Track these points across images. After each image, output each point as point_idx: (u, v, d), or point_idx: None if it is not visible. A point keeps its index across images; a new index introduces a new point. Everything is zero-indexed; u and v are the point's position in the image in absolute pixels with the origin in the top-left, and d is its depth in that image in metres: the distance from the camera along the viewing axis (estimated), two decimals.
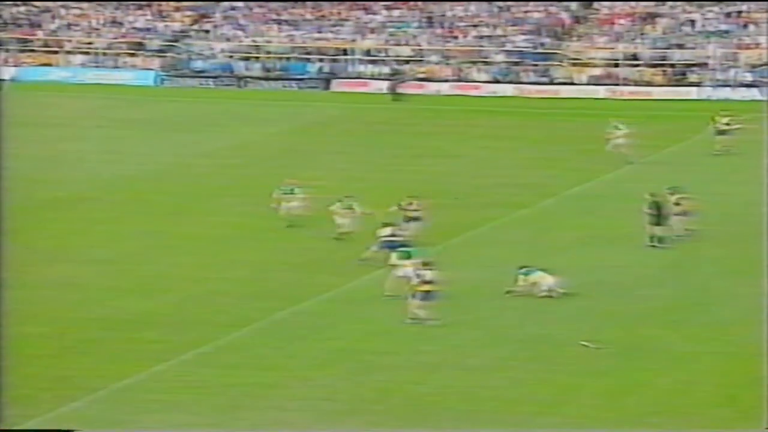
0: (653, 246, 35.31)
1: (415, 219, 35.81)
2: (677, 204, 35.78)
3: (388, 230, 33.45)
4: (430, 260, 29.58)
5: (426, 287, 28.79)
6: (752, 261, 33.79)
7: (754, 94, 70.10)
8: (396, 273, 30.57)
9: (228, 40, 79.11)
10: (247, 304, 30.81)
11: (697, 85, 71.70)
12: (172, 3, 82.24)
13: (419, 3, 79.37)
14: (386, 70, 75.09)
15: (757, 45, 73.27)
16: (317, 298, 31.27)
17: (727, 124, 50.34)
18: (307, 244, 36.71)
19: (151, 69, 77.32)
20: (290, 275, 33.42)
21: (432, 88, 72.90)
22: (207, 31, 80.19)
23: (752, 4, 75.52)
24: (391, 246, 32.20)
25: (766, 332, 26.03)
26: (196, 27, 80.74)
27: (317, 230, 37.56)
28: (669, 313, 29.86)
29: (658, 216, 35.48)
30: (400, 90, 69.39)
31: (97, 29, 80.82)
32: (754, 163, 48.38)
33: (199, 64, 77.61)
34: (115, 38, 79.81)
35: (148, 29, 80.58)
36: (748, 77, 71.78)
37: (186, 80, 76.16)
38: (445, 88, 72.89)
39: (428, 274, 28.92)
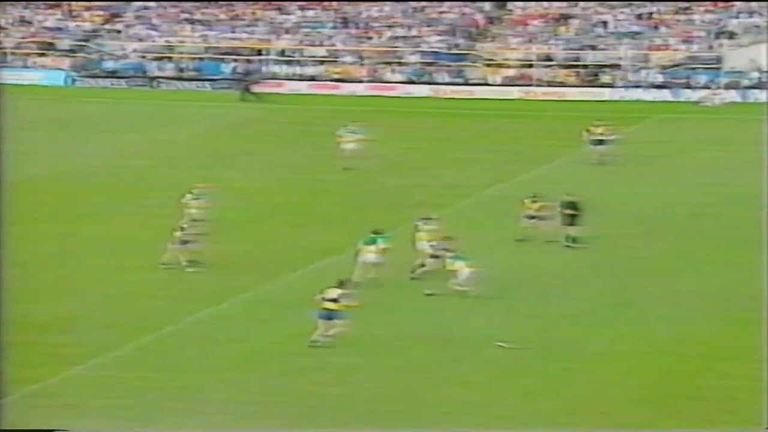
0: (569, 246, 35.51)
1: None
2: (539, 210, 35.36)
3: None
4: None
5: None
6: (667, 261, 34.21)
7: (665, 95, 71.08)
8: (361, 259, 31.47)
9: (140, 40, 78.33)
10: (163, 306, 30.48)
11: (610, 86, 72.46)
12: (82, 2, 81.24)
13: (334, 3, 79.26)
14: (299, 71, 74.93)
15: (668, 46, 74.27)
16: (234, 300, 31.02)
17: (602, 134, 48.32)
18: (223, 246, 36.38)
19: (62, 69, 76.28)
20: (207, 277, 33.10)
21: (347, 88, 72.87)
22: (119, 31, 79.32)
23: (662, 6, 76.54)
24: None
25: (766, 333, 26.36)
26: (107, 26, 79.83)
27: (233, 232, 37.22)
28: (587, 313, 30.04)
29: (573, 216, 35.66)
30: (254, 90, 69.35)
31: (5, 29, 79.49)
32: (663, 163, 49.05)
33: (110, 65, 76.74)
34: (24, 38, 78.63)
35: (58, 29, 79.51)
36: (659, 78, 72.72)
37: (97, 80, 75.26)
38: (360, 89, 72.90)
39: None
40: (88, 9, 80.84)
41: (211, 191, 37.95)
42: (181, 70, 75.54)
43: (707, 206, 41.66)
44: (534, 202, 35.75)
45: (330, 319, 27.07)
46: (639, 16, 76.63)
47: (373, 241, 32.28)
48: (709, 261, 34.59)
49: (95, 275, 33.27)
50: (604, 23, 76.50)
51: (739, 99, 70.07)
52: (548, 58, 74.53)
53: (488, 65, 74.38)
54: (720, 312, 29.86)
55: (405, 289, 31.87)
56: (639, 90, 71.71)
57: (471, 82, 73.68)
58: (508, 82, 73.26)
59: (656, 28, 75.81)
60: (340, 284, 27.58)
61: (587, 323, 28.81)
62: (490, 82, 73.53)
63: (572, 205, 35.78)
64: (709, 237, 37.24)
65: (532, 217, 35.51)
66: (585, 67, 73.86)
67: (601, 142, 47.99)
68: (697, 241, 36.75)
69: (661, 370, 25.85)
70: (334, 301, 27.07)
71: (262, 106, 66.69)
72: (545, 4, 77.93)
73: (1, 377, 17.42)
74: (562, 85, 73.11)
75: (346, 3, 79.03)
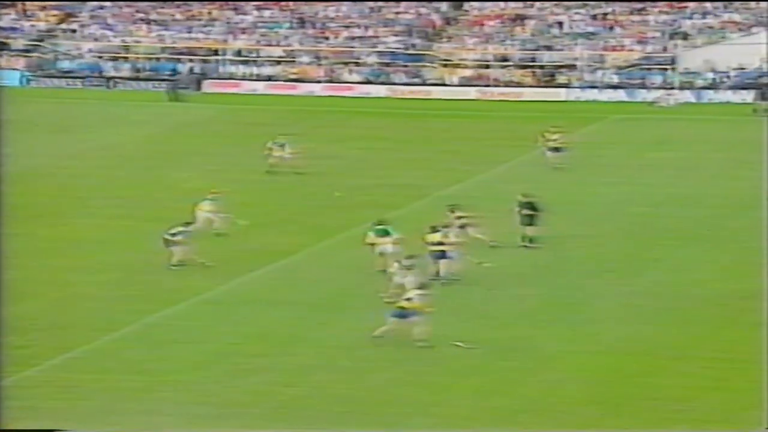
0: (525, 246, 35.82)
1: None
2: (458, 219, 35.15)
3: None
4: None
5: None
6: (617, 261, 34.60)
7: (620, 95, 71.70)
8: (376, 250, 32.32)
9: (96, 39, 78.14)
10: (118, 307, 30.51)
11: (566, 86, 73.01)
12: (37, 2, 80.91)
13: (290, 3, 79.38)
14: (256, 71, 74.99)
15: (623, 47, 74.90)
16: (190, 301, 31.10)
17: (555, 140, 48.06)
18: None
19: (17, 69, 75.98)
20: (161, 278, 33.16)
21: (304, 88, 73.00)
22: (74, 31, 79.10)
23: (617, 7, 77.15)
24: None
25: (766, 334, 26.66)
26: (62, 26, 79.58)
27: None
28: (540, 312, 30.35)
29: (531, 216, 35.98)
30: (180, 91, 69.99)
31: None
32: (616, 163, 49.53)
33: (66, 64, 76.57)
34: None
35: (12, 28, 79.15)
36: (615, 79, 73.33)
37: (53, 81, 75.07)
38: (317, 89, 73.06)
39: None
40: (43, 8, 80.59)
41: (223, 196, 37.99)
42: (138, 71, 75.46)
43: (657, 206, 42.14)
44: (452, 212, 34.64)
45: (403, 317, 27.23)
46: (594, 17, 77.24)
47: (386, 233, 32.89)
48: (658, 260, 34.99)
49: (49, 276, 33.24)
50: (560, 24, 77.08)
51: (693, 99, 70.86)
52: (504, 59, 75.02)
53: (445, 65, 74.80)
54: (670, 311, 30.24)
55: (359, 291, 32.06)
56: (595, 90, 72.33)
57: (428, 82, 74.06)
58: (465, 83, 73.72)
59: (611, 28, 76.46)
60: (420, 285, 27.88)
61: (538, 323, 29.10)
62: (447, 83, 73.95)
63: (530, 206, 36.08)
64: (659, 237, 37.67)
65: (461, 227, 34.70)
66: (541, 67, 74.42)
67: (557, 149, 48.11)
68: (647, 241, 37.17)
69: (611, 369, 26.16)
70: (409, 300, 27.27)
71: (217, 106, 66.72)
72: (501, 4, 78.43)
73: None
74: (518, 85, 73.62)
75: (303, 3, 79.18)
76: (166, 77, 74.58)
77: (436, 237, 32.51)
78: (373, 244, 32.99)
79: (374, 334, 27.37)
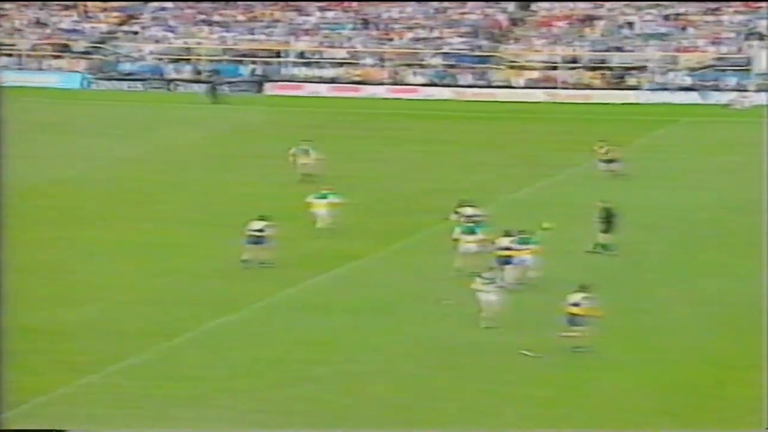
0: (597, 253, 35.65)
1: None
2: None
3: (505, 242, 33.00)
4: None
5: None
6: (683, 268, 34.33)
7: (693, 97, 71.05)
8: (462, 249, 33.00)
9: (157, 41, 78.83)
10: (177, 313, 30.74)
11: (636, 88, 72.52)
12: (98, 3, 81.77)
13: (354, 4, 79.59)
14: (318, 73, 75.27)
15: (696, 48, 74.25)
16: (249, 308, 31.27)
17: (606, 153, 47.70)
18: (237, 251, 36.66)
19: (77, 71, 76.83)
20: (221, 283, 33.38)
21: (368, 91, 73.17)
22: (135, 33, 79.85)
23: (690, 7, 76.51)
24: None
25: (766, 333, 26.35)
26: (124, 28, 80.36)
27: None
28: (606, 320, 30.18)
29: (608, 223, 35.84)
30: (218, 92, 70.42)
31: (20, 30, 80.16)
32: (687, 167, 49.08)
33: (127, 67, 77.28)
34: (40, 39, 79.21)
35: (74, 30, 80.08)
36: (687, 80, 72.70)
37: (113, 83, 75.81)
38: (380, 91, 73.18)
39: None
40: (104, 10, 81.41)
41: (336, 191, 38.95)
42: (199, 73, 75.97)
43: (729, 211, 41.75)
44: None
45: (574, 324, 27.32)
46: (666, 17, 76.67)
47: (472, 231, 33.43)
48: (726, 266, 34.68)
49: (108, 281, 33.57)
50: (631, 24, 76.58)
51: None
52: (573, 60, 74.69)
53: (511, 67, 74.59)
54: (739, 320, 29.95)
55: (421, 297, 32.07)
56: (666, 92, 71.76)
57: (494, 84, 73.89)
58: (532, 85, 73.48)
59: (684, 29, 75.85)
60: (582, 288, 27.91)
61: (605, 331, 28.94)
62: (514, 85, 73.73)
63: (608, 213, 35.96)
64: (728, 243, 37.33)
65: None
66: (611, 69, 73.98)
67: (610, 161, 47.70)
68: (716, 247, 36.86)
69: (682, 378, 25.98)
70: (576, 305, 27.38)
71: (278, 109, 67.02)
72: (570, 5, 78.06)
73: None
74: (587, 87, 73.24)
75: (367, 4, 79.35)
76: (227, 80, 75.04)
77: (505, 241, 32.49)
78: (457, 240, 33.60)
79: (572, 345, 27.07)
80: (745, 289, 32.40)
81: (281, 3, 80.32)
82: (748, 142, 57.34)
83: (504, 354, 27.33)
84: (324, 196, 38.95)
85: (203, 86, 71.76)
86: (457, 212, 36.89)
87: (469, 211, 36.47)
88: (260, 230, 34.48)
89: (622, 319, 30.16)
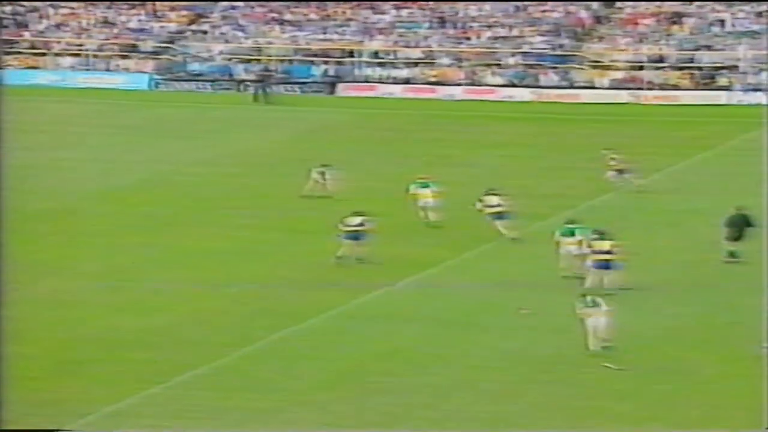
0: (733, 261, 35.27)
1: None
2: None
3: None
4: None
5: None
6: None
7: None
8: (563, 251, 33.47)
9: (227, 41, 79.34)
10: (247, 322, 30.91)
11: (727, 89, 71.75)
12: (167, 2, 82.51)
13: (430, 2, 79.56)
14: (393, 73, 75.31)
15: None
16: (322, 316, 31.36)
17: (615, 163, 45.53)
18: (311, 258, 36.79)
19: (145, 72, 77.50)
20: (293, 291, 33.52)
21: (444, 92, 73.12)
22: (204, 32, 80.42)
23: None
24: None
25: (765, 333, 26.07)
26: (193, 27, 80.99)
27: (319, 245, 37.67)
28: (695, 332, 29.91)
29: (740, 231, 35.40)
30: (269, 91, 70.83)
31: (87, 30, 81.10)
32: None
33: (195, 67, 77.82)
34: (107, 39, 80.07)
35: (141, 30, 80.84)
36: None
37: (182, 84, 76.36)
38: (457, 92, 73.10)
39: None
40: (173, 9, 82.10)
41: (434, 180, 40.06)
42: (273, 74, 76.25)
43: None
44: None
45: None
46: (759, 14, 75.77)
47: (571, 233, 33.60)
48: None
49: (177, 289, 33.82)
50: (722, 22, 75.81)
51: None
52: (660, 60, 74.07)
53: (595, 67, 74.13)
54: None
55: (500, 307, 31.97)
56: (759, 93, 70.87)
57: (576, 85, 73.49)
58: (617, 85, 72.97)
59: None
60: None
61: (695, 344, 28.67)
62: (598, 85, 73.28)
63: (742, 219, 35.54)
64: None
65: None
66: (700, 69, 73.26)
67: (620, 171, 45.47)
68: None
69: None
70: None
71: (352, 110, 67.18)
72: (657, 2, 77.47)
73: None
74: (675, 88, 72.60)
75: (443, 2, 79.30)
76: (299, 80, 75.37)
77: (605, 245, 32.33)
78: (558, 243, 33.98)
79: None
80: None
81: (355, 1, 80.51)
82: None
83: (586, 367, 27.11)
84: (426, 185, 39.39)
85: (253, 86, 72.37)
86: (480, 200, 38.17)
87: (494, 200, 37.88)
88: (360, 224, 34.97)
89: (712, 332, 29.88)
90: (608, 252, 32.11)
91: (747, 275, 34.62)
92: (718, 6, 76.88)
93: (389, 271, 35.13)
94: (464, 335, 29.66)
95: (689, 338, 29.47)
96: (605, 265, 32.08)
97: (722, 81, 72.43)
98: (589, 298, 28.41)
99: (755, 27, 75.05)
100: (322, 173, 44.96)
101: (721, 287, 33.67)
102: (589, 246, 32.69)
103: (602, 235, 32.58)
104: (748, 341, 29.11)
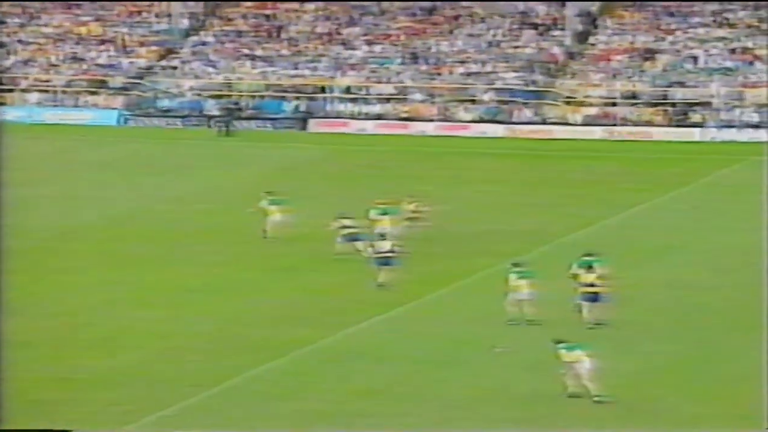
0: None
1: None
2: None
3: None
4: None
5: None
6: (757, 313, 33.90)
7: (760, 135, 70.45)
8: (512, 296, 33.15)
9: (197, 77, 79.28)
10: (218, 361, 30.68)
11: (701, 125, 72.11)
12: (135, 38, 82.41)
13: (402, 38, 79.76)
14: (365, 109, 75.39)
15: (764, 83, 73.74)
16: (294, 354, 31.17)
17: (414, 211, 43.63)
18: (282, 295, 36.63)
19: (114, 108, 77.40)
20: (264, 329, 33.32)
21: (417, 128, 73.19)
22: (174, 68, 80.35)
23: (758, 40, 76.10)
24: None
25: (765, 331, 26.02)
26: (162, 63, 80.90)
27: (293, 281, 37.49)
28: (671, 371, 29.85)
29: None
30: (231, 127, 71.72)
31: (55, 65, 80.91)
32: (755, 209, 48.57)
33: (165, 103, 77.74)
34: (76, 75, 79.89)
35: (111, 66, 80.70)
36: (755, 117, 72.20)
37: (151, 120, 76.27)
38: (430, 128, 73.18)
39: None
40: (143, 45, 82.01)
41: (394, 206, 40.65)
42: (240, 109, 76.29)
43: None
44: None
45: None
46: (732, 51, 76.28)
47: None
48: None
49: (146, 327, 33.57)
50: (694, 58, 76.24)
51: None
52: (633, 96, 74.39)
53: (568, 103, 74.41)
54: None
55: (476, 344, 31.86)
56: (733, 130, 71.27)
57: (550, 121, 73.74)
58: (590, 121, 73.22)
59: (751, 63, 75.41)
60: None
61: (670, 382, 28.61)
62: (571, 122, 73.54)
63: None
64: None
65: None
66: (673, 105, 73.62)
67: (415, 219, 43.18)
68: None
69: None
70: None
71: (324, 147, 67.16)
72: (630, 38, 77.86)
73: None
74: (648, 124, 72.92)
75: (416, 37, 79.49)
76: (270, 116, 75.35)
77: (590, 278, 32.21)
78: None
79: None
80: None
81: (326, 37, 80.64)
82: None
83: (564, 405, 27.00)
84: (385, 213, 39.30)
85: (217, 120, 72.81)
86: (336, 223, 39.63)
87: (347, 222, 39.23)
88: (390, 250, 35.04)
89: (688, 371, 29.81)
90: (592, 285, 32.05)
91: (725, 312, 34.66)
92: (690, 43, 77.33)
93: (363, 307, 35.01)
94: (439, 373, 29.48)
95: (665, 377, 29.38)
96: (592, 298, 32.01)
97: (695, 117, 72.77)
98: (567, 343, 27.81)
99: (728, 63, 75.51)
100: (276, 202, 44.08)
101: (697, 325, 33.63)
102: (575, 278, 32.60)
103: (589, 268, 32.52)
104: (725, 381, 29.08)
